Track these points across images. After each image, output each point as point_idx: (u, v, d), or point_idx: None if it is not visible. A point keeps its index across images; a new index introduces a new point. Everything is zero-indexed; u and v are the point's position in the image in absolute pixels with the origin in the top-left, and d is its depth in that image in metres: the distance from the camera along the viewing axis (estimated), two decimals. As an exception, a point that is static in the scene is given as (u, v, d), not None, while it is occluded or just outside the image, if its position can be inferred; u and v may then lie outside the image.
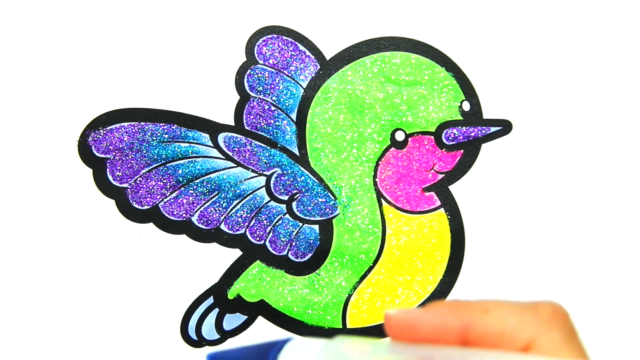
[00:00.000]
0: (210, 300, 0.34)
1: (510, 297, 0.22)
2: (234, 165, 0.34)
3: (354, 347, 0.21)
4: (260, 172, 0.34)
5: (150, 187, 0.33)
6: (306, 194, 0.34)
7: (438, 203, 0.35)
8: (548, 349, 0.17)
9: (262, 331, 0.34)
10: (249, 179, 0.34)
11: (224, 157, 0.34)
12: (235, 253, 0.34)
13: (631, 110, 0.36)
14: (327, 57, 0.34)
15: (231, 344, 0.34)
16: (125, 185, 0.33)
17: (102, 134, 0.33)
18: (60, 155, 0.32)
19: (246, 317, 0.35)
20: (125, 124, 0.33)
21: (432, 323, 0.19)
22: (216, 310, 0.34)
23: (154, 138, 0.33)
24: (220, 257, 0.34)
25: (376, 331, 0.35)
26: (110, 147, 0.33)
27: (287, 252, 0.34)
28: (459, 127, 0.35)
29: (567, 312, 0.18)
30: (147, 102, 0.33)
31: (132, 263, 0.33)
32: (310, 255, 0.35)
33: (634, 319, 0.36)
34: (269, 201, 0.34)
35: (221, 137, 0.34)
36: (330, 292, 0.35)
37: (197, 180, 0.33)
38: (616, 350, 0.35)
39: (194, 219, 0.34)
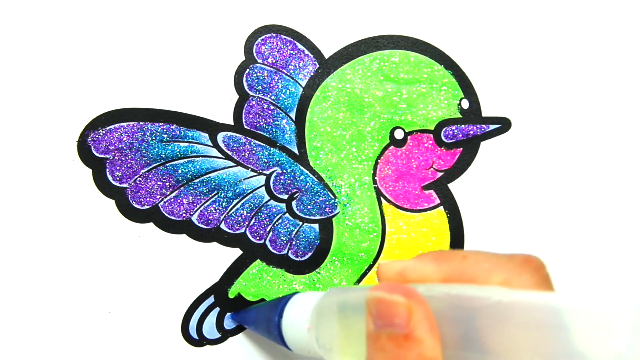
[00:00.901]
0: (211, 300, 0.34)
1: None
2: (234, 164, 0.34)
3: (347, 291, 0.23)
4: (260, 171, 0.34)
5: (150, 187, 0.33)
6: (306, 193, 0.34)
7: (437, 201, 0.35)
8: (519, 287, 0.19)
9: (263, 330, 0.34)
10: (248, 178, 0.34)
11: (223, 157, 0.34)
12: (236, 252, 0.34)
13: (630, 108, 0.36)
14: (326, 56, 0.34)
15: (232, 342, 0.34)
16: (125, 185, 0.33)
17: (101, 134, 0.32)
18: (59, 156, 0.32)
19: (247, 316, 0.35)
20: (125, 123, 0.33)
21: (417, 269, 0.21)
22: (217, 309, 0.34)
23: (153, 138, 0.33)
24: (220, 257, 0.34)
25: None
26: (109, 147, 0.33)
27: (287, 251, 0.34)
28: (458, 125, 0.35)
29: (543, 263, 0.19)
30: (146, 102, 0.33)
31: (132, 263, 0.33)
32: (310, 254, 0.35)
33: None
34: (269, 200, 0.34)
35: (220, 136, 0.34)
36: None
37: (197, 180, 0.33)
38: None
39: (194, 218, 0.34)
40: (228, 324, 0.34)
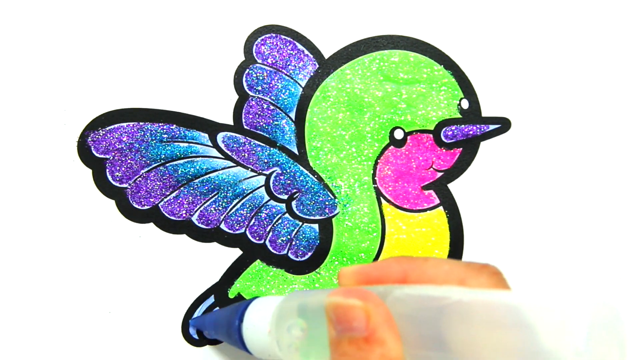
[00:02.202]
0: (211, 300, 0.34)
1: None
2: (233, 164, 0.34)
3: (307, 294, 0.23)
4: (260, 171, 0.34)
5: (150, 187, 0.33)
6: (306, 193, 0.34)
7: (437, 201, 0.35)
8: (476, 287, 0.19)
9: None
10: (248, 178, 0.34)
11: (223, 157, 0.34)
12: (236, 252, 0.34)
13: (630, 108, 0.36)
14: (326, 56, 0.34)
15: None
16: (125, 185, 0.33)
17: (101, 134, 0.33)
18: (59, 156, 0.32)
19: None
20: (125, 124, 0.33)
21: (377, 271, 0.21)
22: (217, 309, 0.34)
23: (153, 138, 0.33)
24: (220, 257, 0.34)
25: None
26: (109, 147, 0.33)
27: (287, 252, 0.35)
28: (458, 125, 0.35)
29: (500, 271, 0.20)
30: (146, 102, 0.33)
31: (132, 263, 0.33)
32: (310, 254, 0.35)
33: (633, 318, 0.36)
34: (269, 200, 0.34)
35: (220, 136, 0.34)
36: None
37: (197, 180, 0.34)
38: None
39: (194, 218, 0.34)
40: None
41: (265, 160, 0.34)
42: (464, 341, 0.17)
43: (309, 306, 0.22)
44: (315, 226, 0.35)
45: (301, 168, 0.34)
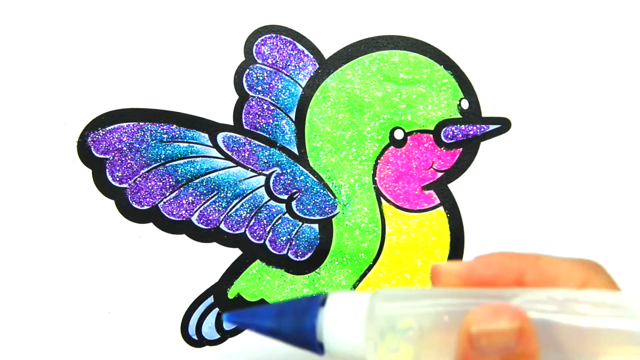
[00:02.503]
0: (210, 300, 0.34)
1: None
2: (233, 164, 0.34)
3: (412, 296, 0.20)
4: (260, 171, 0.34)
5: (150, 187, 0.33)
6: (306, 193, 0.34)
7: (437, 201, 0.35)
8: (601, 288, 0.18)
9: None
10: (248, 178, 0.34)
11: (223, 157, 0.34)
12: (235, 253, 0.34)
13: (630, 108, 0.36)
14: (326, 56, 0.34)
15: (231, 343, 0.34)
16: (124, 185, 0.33)
17: (101, 134, 0.33)
18: (59, 156, 0.32)
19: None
20: (125, 124, 0.33)
21: (490, 267, 0.19)
22: (216, 309, 0.34)
23: (153, 138, 0.33)
24: (220, 257, 0.34)
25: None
26: (109, 147, 0.33)
27: (287, 252, 0.34)
28: (458, 125, 0.35)
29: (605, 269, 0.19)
30: (146, 102, 0.33)
31: (132, 263, 0.33)
32: (310, 254, 0.35)
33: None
34: (269, 200, 0.34)
35: (220, 136, 0.34)
36: (331, 290, 0.35)
37: (197, 180, 0.34)
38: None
39: (194, 218, 0.34)
40: (227, 324, 0.34)
41: (265, 161, 0.34)
42: (589, 344, 0.17)
43: (424, 312, 0.20)
44: (315, 226, 0.34)
45: (301, 168, 0.34)
